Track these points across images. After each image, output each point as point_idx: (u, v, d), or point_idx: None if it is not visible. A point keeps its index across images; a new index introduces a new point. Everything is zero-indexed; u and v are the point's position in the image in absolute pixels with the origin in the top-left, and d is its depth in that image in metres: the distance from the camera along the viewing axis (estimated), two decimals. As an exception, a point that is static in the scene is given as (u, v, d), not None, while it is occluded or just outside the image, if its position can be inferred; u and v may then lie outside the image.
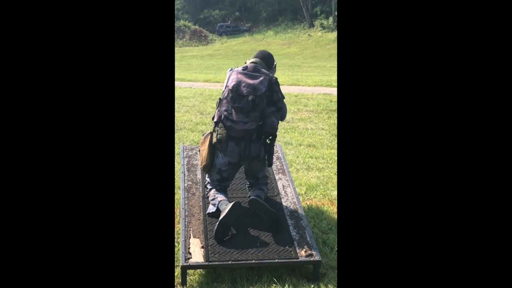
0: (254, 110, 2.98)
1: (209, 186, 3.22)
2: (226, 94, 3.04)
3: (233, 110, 2.99)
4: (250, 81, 3.01)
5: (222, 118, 3.03)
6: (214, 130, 3.12)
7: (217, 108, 3.11)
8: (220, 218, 2.87)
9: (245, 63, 3.23)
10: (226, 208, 2.89)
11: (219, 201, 3.05)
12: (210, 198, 3.14)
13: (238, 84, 3.01)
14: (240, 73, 3.07)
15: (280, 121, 3.16)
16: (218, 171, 3.16)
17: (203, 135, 3.26)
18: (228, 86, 3.05)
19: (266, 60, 3.23)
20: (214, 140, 3.09)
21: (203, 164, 3.18)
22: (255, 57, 3.25)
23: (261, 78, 3.02)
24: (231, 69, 3.14)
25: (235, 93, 3.00)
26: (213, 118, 3.14)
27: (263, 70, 3.11)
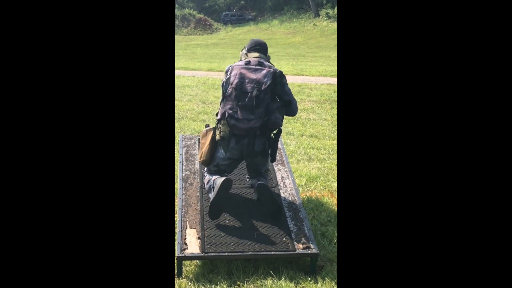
0: (259, 106, 2.93)
1: (205, 175, 3.18)
2: (230, 92, 2.98)
3: (238, 108, 2.94)
4: (254, 76, 2.95)
5: (226, 116, 2.98)
6: (217, 127, 3.07)
7: (220, 105, 3.05)
8: (211, 200, 2.90)
9: (246, 55, 3.15)
10: (215, 186, 2.92)
11: (214, 180, 3.02)
12: (205, 184, 3.11)
13: (241, 81, 2.95)
14: (243, 67, 3.00)
15: (292, 116, 3.10)
16: (216, 165, 3.13)
17: (205, 126, 3.21)
18: (231, 84, 2.98)
19: (265, 50, 3.18)
20: (218, 137, 3.04)
21: (202, 159, 3.14)
22: (253, 48, 3.17)
23: (264, 71, 2.96)
24: (231, 66, 3.08)
25: (239, 91, 2.94)
26: (216, 115, 3.09)
27: (266, 63, 3.05)
